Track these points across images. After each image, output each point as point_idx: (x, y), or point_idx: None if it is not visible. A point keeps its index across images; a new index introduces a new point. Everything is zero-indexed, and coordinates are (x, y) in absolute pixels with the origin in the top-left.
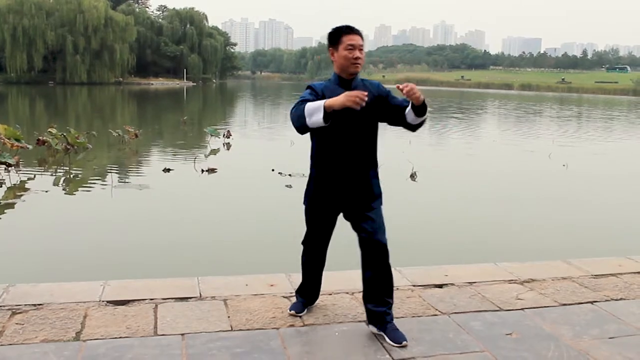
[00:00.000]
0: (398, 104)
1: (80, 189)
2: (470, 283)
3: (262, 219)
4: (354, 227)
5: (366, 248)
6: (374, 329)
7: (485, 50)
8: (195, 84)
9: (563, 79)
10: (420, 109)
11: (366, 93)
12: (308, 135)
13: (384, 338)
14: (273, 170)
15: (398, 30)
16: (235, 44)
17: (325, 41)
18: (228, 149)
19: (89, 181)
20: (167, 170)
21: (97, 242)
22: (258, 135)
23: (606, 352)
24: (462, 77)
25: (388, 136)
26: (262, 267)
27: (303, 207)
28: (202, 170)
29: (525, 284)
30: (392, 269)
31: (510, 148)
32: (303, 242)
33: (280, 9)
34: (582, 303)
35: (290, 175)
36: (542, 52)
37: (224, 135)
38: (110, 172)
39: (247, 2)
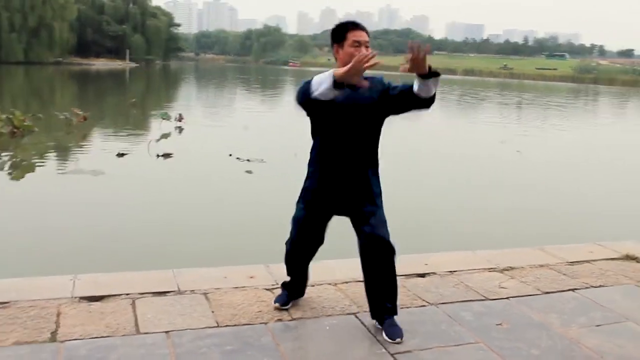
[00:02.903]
0: (401, 90)
1: (28, 175)
2: (452, 272)
3: (228, 206)
4: (355, 226)
5: (368, 245)
6: (376, 324)
7: (429, 35)
8: (138, 65)
9: (505, 65)
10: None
11: (375, 52)
12: (272, 124)
13: (381, 333)
14: (230, 155)
15: (344, 13)
16: (179, 25)
17: (270, 24)
18: (180, 133)
19: (38, 167)
20: (121, 154)
21: (56, 233)
22: (208, 120)
23: (596, 340)
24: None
25: None
26: (238, 257)
27: (294, 206)
28: (158, 155)
29: (505, 272)
30: None
31: (459, 135)
32: (289, 243)
33: None
34: (563, 291)
35: (248, 160)
36: (484, 38)
37: (175, 118)
38: (60, 157)
39: None
